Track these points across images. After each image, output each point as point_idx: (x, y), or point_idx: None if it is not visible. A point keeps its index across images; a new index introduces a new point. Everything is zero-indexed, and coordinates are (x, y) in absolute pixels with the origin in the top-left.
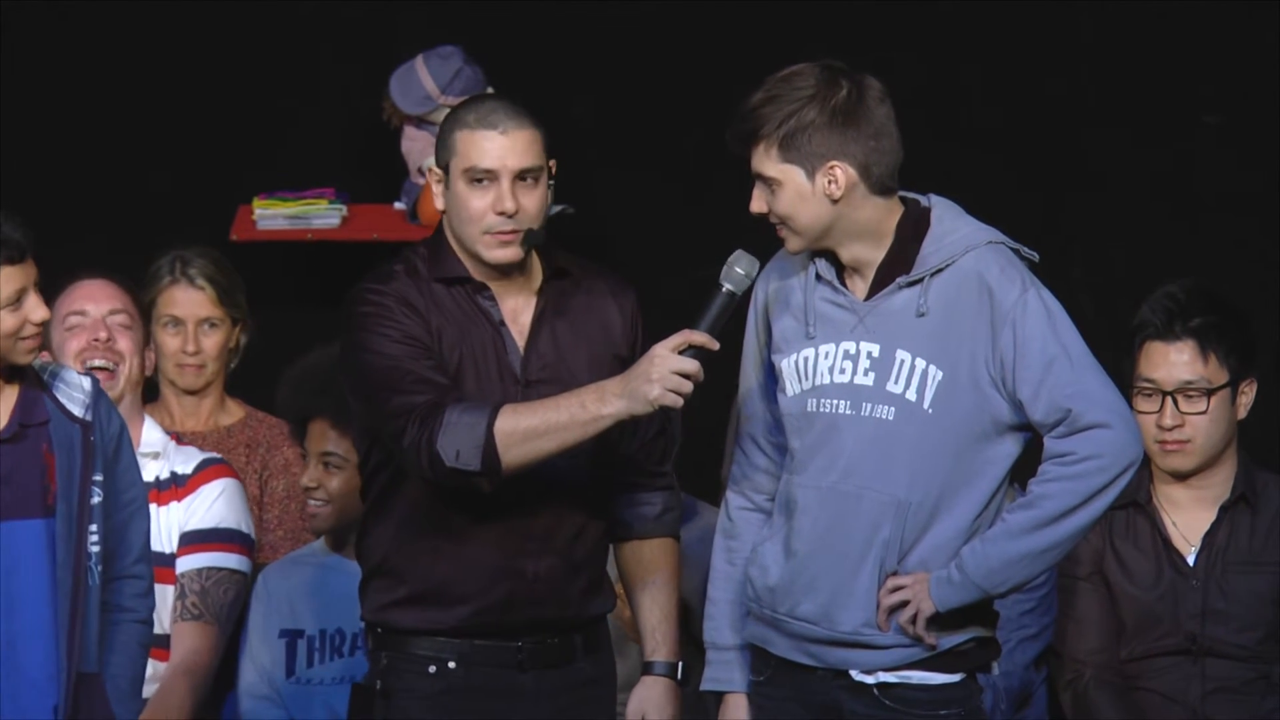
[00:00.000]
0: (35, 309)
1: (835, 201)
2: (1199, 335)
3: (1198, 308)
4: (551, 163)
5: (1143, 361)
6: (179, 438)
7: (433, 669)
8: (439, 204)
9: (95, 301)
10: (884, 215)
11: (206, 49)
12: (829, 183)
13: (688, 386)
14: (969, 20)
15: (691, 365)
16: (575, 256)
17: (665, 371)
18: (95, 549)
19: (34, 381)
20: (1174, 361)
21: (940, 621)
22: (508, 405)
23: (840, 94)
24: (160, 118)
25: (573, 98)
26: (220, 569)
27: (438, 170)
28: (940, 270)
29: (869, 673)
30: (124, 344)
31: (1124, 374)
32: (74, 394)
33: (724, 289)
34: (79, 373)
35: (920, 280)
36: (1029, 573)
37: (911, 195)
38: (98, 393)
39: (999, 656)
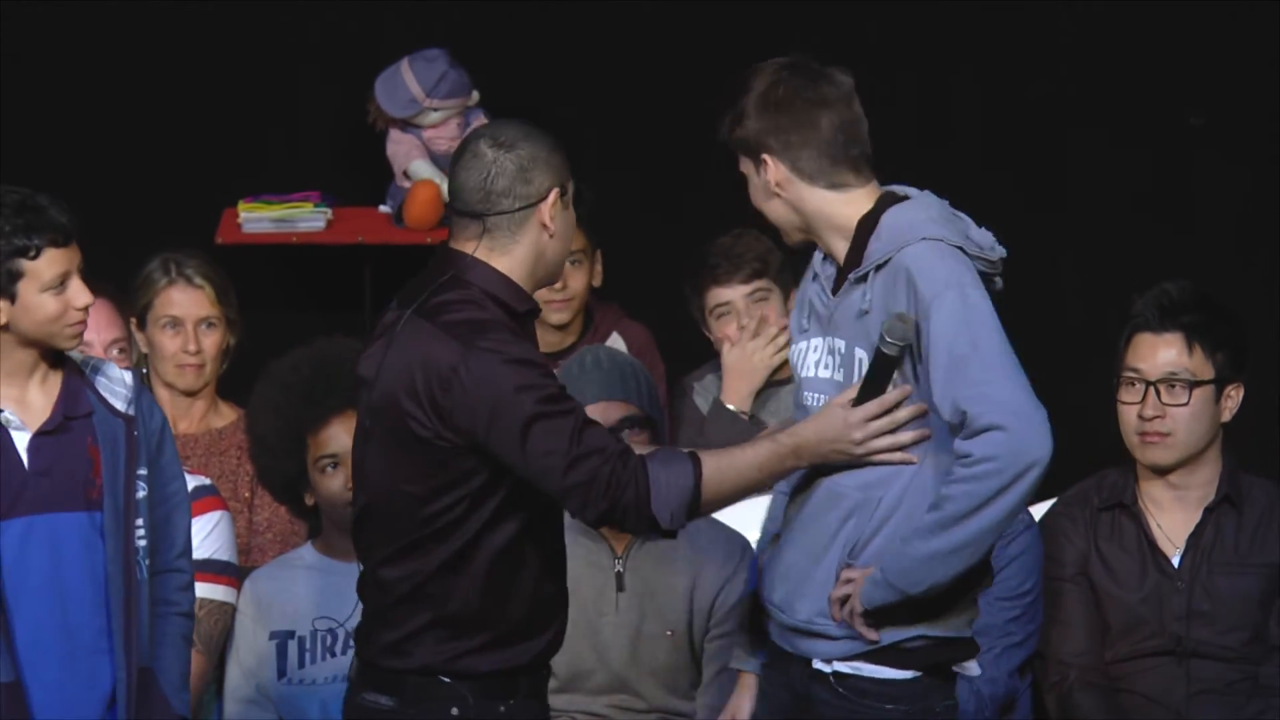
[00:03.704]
0: (79, 294)
1: (777, 195)
2: (1188, 329)
3: (1190, 305)
4: None
5: (1130, 352)
6: None
7: (502, 708)
8: (552, 224)
9: (97, 330)
10: (839, 209)
11: (190, 53)
12: (768, 175)
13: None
14: (956, 24)
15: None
16: None
17: (868, 431)
18: (142, 543)
19: (76, 374)
20: (1160, 352)
21: (884, 617)
22: (705, 463)
23: (775, 87)
24: (145, 121)
25: (557, 101)
26: (212, 600)
27: (557, 189)
28: (881, 266)
29: (826, 661)
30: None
31: (1113, 370)
32: (116, 388)
33: (884, 351)
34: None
35: (865, 277)
36: (942, 574)
37: (898, 189)
38: (139, 387)
39: (969, 658)
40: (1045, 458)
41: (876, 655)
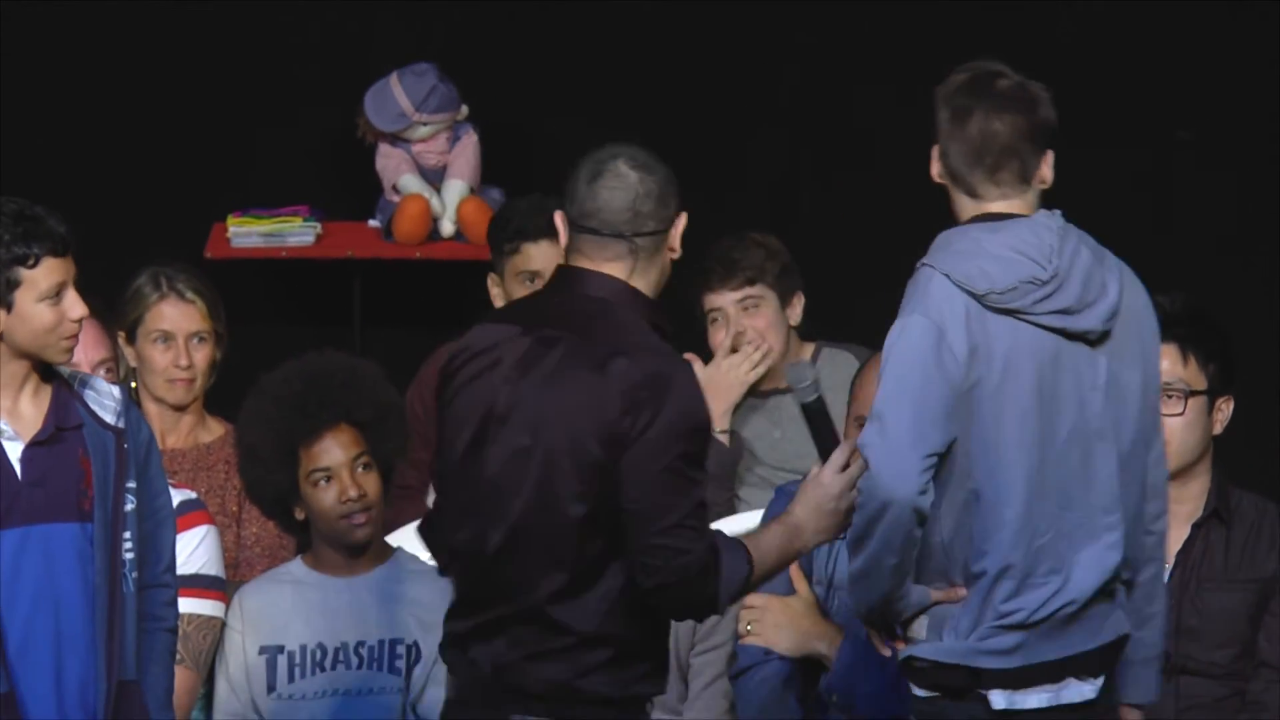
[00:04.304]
0: (74, 305)
1: (943, 184)
2: (1181, 340)
3: (1184, 317)
4: None
5: None
6: None
7: None
8: (678, 246)
9: (84, 348)
10: (960, 213)
11: (180, 66)
12: (932, 166)
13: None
14: (956, 24)
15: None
16: None
17: (844, 483)
18: (129, 556)
19: (65, 387)
20: None
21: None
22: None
23: (955, 82)
24: (132, 135)
25: (547, 116)
26: (200, 615)
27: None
28: None
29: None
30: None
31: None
32: (105, 401)
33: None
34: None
35: None
36: (864, 596)
37: (1017, 210)
38: (127, 401)
39: (995, 687)
40: (902, 500)
41: (906, 670)
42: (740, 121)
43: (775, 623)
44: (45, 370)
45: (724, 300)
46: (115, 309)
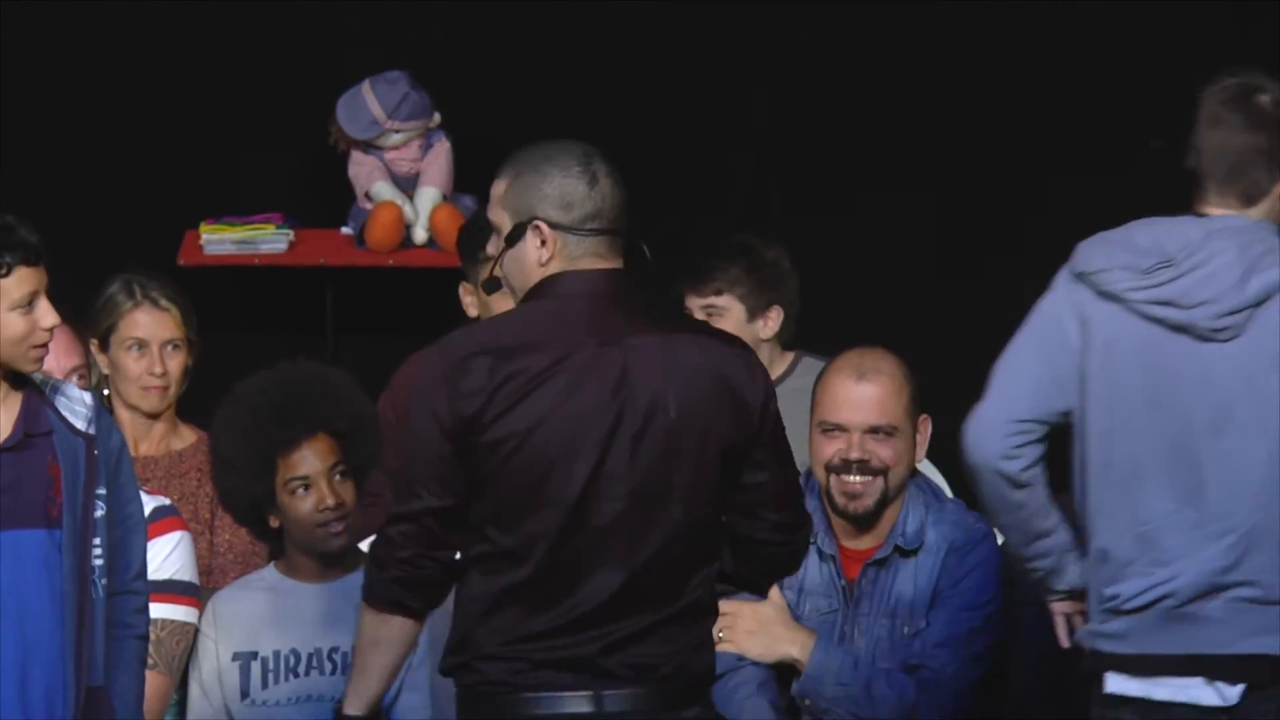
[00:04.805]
0: (46, 315)
1: None
2: None
3: None
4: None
5: None
6: None
7: None
8: None
9: (56, 357)
10: None
11: (152, 73)
12: None
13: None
14: (953, 24)
15: None
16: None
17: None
18: (99, 562)
19: (35, 393)
20: None
21: None
22: None
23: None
24: (106, 141)
25: (520, 123)
26: (174, 620)
27: None
28: None
29: None
30: None
31: None
32: (76, 407)
33: None
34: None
35: None
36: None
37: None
38: (99, 407)
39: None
40: (982, 463)
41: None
42: (710, 135)
43: (747, 629)
44: (15, 377)
45: (692, 304)
46: (87, 316)
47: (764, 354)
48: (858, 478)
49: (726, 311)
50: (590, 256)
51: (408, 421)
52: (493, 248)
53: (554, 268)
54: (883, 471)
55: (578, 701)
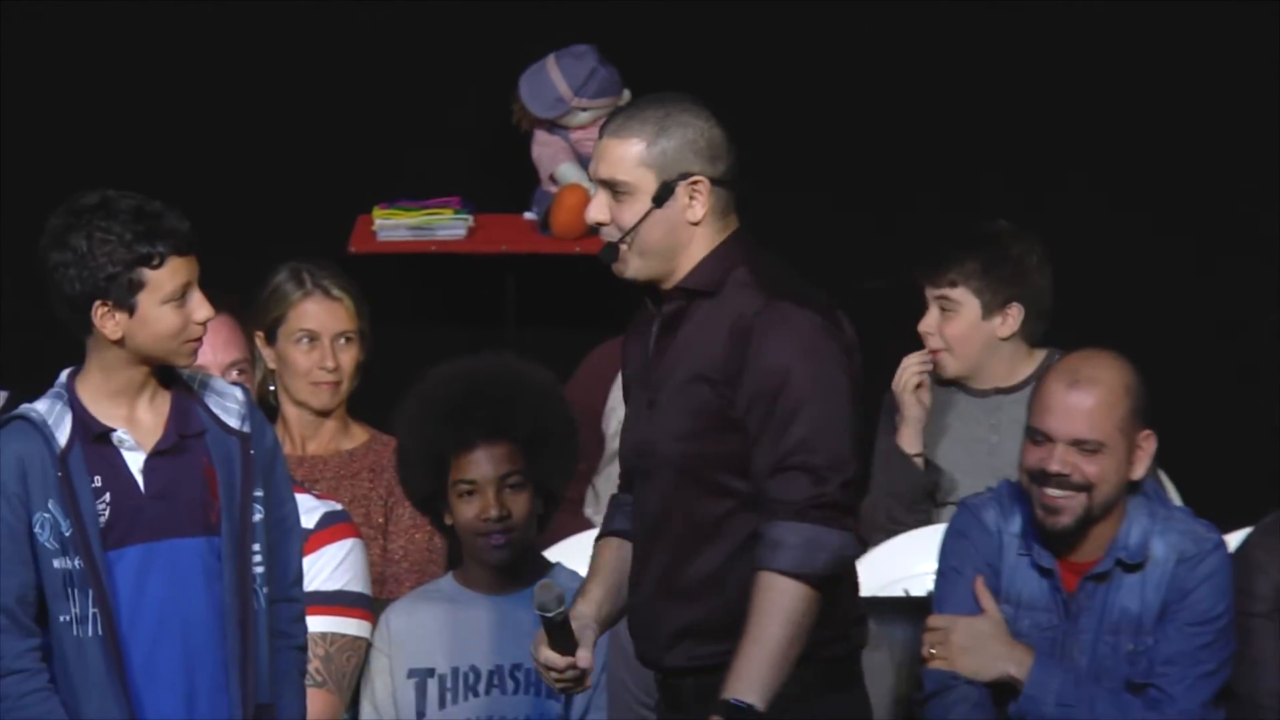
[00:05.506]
0: (200, 307)
1: None
2: None
3: None
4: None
5: None
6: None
7: None
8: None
9: (214, 350)
10: None
11: (325, 51)
12: None
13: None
14: (953, 24)
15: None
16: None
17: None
18: (259, 570)
19: (185, 391)
20: None
21: None
22: None
23: None
24: (276, 123)
25: (711, 101)
26: (344, 635)
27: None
28: None
29: None
30: None
31: None
32: (228, 404)
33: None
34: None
35: None
36: None
37: None
38: (251, 403)
39: None
40: None
41: None
42: None
43: (961, 645)
44: (164, 374)
45: (927, 292)
46: (252, 307)
47: (1004, 353)
48: (1057, 491)
49: (960, 305)
50: (730, 211)
51: (820, 385)
52: (600, 213)
53: (706, 225)
54: (1086, 488)
55: None
